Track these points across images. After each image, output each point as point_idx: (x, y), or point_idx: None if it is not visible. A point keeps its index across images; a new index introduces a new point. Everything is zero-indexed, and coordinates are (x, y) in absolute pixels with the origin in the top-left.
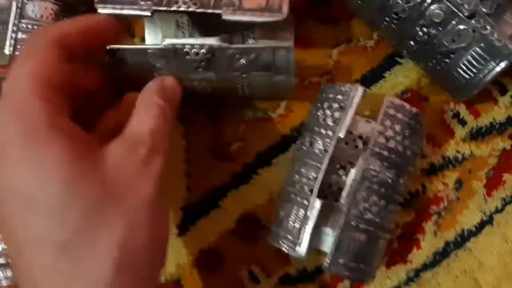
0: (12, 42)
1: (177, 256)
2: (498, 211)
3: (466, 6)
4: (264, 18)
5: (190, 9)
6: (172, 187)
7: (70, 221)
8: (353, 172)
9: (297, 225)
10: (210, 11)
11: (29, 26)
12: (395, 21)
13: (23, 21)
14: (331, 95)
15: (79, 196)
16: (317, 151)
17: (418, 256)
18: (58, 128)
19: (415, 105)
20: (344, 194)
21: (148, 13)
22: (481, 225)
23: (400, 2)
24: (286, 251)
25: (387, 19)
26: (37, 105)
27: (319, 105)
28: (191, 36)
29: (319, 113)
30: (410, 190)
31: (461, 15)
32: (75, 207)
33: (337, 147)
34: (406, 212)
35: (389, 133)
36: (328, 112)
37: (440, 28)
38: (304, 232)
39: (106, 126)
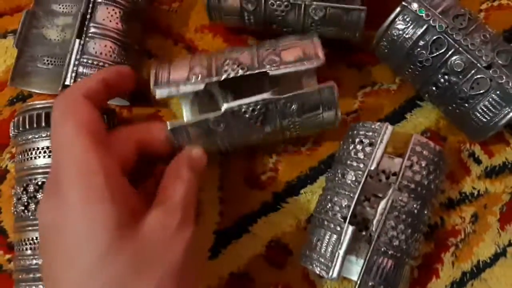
0: (73, 74)
1: (208, 278)
2: (510, 244)
3: (484, 58)
4: (306, 66)
5: (239, 74)
6: (206, 212)
7: (101, 283)
8: (383, 202)
9: (329, 249)
10: (257, 71)
11: (89, 62)
12: (419, 69)
13: (84, 56)
14: (362, 132)
15: (115, 261)
16: (349, 181)
17: (437, 285)
18: (113, 188)
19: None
20: (374, 221)
21: (202, 86)
22: (496, 257)
23: (425, 52)
24: (319, 273)
25: (412, 66)
26: (95, 163)
27: (350, 140)
28: (225, 100)
29: (350, 148)
30: (430, 223)
31: (479, 65)
32: (110, 270)
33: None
34: (426, 243)
35: (416, 168)
36: (359, 146)
37: (461, 77)
38: (338, 256)
39: (146, 189)
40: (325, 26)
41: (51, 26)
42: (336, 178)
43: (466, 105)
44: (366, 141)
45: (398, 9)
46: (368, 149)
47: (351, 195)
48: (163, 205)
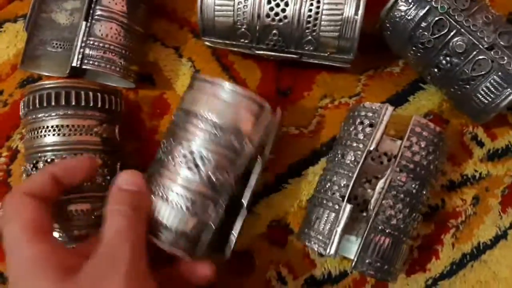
0: (80, 56)
1: None
2: None
3: (486, 39)
4: None
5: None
6: None
7: None
8: (381, 181)
9: (327, 227)
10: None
11: (96, 43)
12: (422, 50)
13: (91, 38)
14: (362, 113)
15: None
16: (348, 161)
17: (437, 266)
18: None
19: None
20: (372, 200)
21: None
22: (496, 239)
23: (427, 33)
24: (317, 250)
25: (414, 48)
26: (41, 258)
27: (351, 121)
28: None
29: (351, 129)
30: (430, 204)
31: (481, 46)
32: None
33: (365, 163)
34: (427, 225)
35: (415, 148)
36: (359, 127)
37: (462, 58)
38: (336, 233)
39: None
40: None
41: (60, 10)
42: (336, 159)
43: (468, 86)
44: (366, 121)
45: None
46: (368, 129)
47: (350, 174)
48: (104, 239)
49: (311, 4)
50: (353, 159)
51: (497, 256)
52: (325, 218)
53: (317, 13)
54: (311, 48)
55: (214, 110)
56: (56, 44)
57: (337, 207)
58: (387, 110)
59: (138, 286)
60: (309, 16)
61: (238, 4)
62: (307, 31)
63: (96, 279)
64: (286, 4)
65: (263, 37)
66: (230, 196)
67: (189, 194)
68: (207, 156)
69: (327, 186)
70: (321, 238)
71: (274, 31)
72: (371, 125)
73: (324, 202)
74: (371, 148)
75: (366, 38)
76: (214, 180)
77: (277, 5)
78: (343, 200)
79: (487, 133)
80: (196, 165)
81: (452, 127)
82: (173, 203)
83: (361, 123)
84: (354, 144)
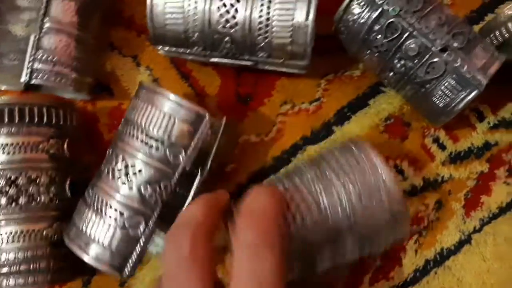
0: (29, 70)
1: None
2: (476, 231)
3: (438, 41)
4: None
5: None
6: None
7: None
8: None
9: None
10: None
11: (44, 57)
12: (376, 54)
13: (39, 52)
14: None
15: None
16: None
17: (400, 274)
18: None
19: (398, 130)
20: None
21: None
22: (460, 245)
23: (380, 37)
24: None
25: (369, 52)
26: None
27: None
28: None
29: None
30: None
31: (434, 49)
32: None
33: None
34: None
35: None
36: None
37: (416, 61)
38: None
39: None
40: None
41: (16, 22)
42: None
43: (423, 89)
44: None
45: None
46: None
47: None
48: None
49: (261, 10)
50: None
51: (461, 261)
52: None
53: (267, 19)
54: (265, 55)
55: (148, 120)
56: (13, 56)
57: None
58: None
59: None
60: (260, 22)
61: (188, 12)
62: (259, 37)
63: None
64: (236, 11)
65: (216, 45)
66: (165, 211)
67: (121, 208)
68: (140, 169)
69: None
70: None
71: (227, 39)
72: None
73: None
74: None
75: (324, 41)
76: (145, 194)
77: (227, 12)
78: None
79: (449, 135)
80: (129, 178)
81: (413, 130)
82: (105, 217)
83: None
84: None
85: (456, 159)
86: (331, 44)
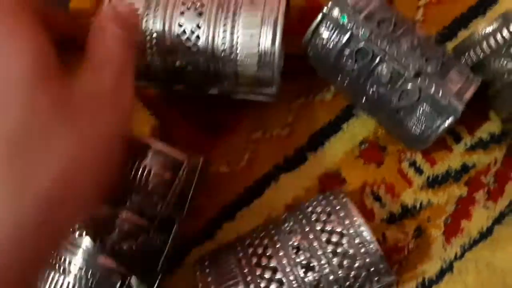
0: None
1: None
2: (457, 258)
3: (411, 66)
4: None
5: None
6: None
7: (31, 118)
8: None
9: None
10: None
11: None
12: (348, 79)
13: None
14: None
15: (46, 93)
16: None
17: None
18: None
19: (374, 155)
20: None
21: None
22: (442, 273)
23: (350, 62)
24: None
25: (340, 76)
26: None
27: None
28: None
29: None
30: None
31: (407, 75)
32: (42, 100)
33: None
34: None
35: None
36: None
37: (388, 87)
38: None
39: None
40: None
41: None
42: (289, 243)
43: (398, 116)
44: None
45: (319, 16)
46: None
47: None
48: (93, 61)
49: (224, 37)
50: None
51: None
52: None
53: (231, 46)
54: (231, 83)
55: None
56: None
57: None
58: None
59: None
60: (224, 50)
61: (148, 40)
62: (223, 65)
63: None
64: (198, 38)
65: (178, 73)
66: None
67: (92, 268)
68: (113, 223)
69: (262, 263)
70: None
71: (189, 68)
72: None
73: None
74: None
75: (294, 62)
76: (119, 251)
77: (188, 39)
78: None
79: (426, 158)
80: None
81: (389, 154)
82: (75, 278)
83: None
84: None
85: (434, 183)
86: (301, 65)
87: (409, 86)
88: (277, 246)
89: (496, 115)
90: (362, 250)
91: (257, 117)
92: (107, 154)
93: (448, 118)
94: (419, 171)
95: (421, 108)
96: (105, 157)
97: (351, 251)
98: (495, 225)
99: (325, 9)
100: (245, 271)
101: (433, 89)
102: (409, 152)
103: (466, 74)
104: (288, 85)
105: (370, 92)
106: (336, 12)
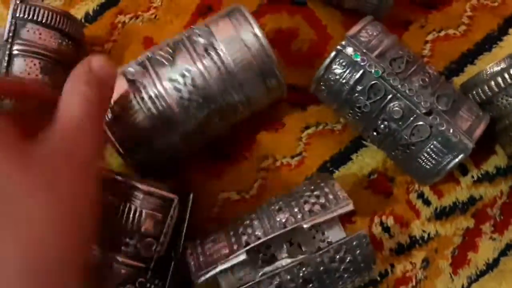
0: None
1: None
2: None
3: (423, 104)
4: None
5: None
6: None
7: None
8: (285, 261)
9: (214, 256)
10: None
11: None
12: (359, 114)
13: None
14: (325, 190)
15: (5, 160)
16: (278, 219)
17: None
18: None
19: (382, 185)
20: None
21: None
22: None
23: (363, 98)
24: (191, 265)
25: (351, 111)
26: None
27: (311, 187)
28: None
29: (306, 193)
30: (379, 271)
31: (419, 112)
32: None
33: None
34: None
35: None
36: (312, 199)
37: (400, 123)
38: (215, 268)
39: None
40: None
41: None
42: (271, 207)
43: (408, 151)
44: (322, 201)
45: (333, 53)
46: (316, 207)
47: (269, 231)
48: (59, 124)
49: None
50: (283, 221)
51: None
52: (217, 248)
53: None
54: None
55: None
56: None
57: (235, 247)
58: (347, 206)
59: (91, 188)
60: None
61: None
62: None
63: (50, 169)
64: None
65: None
66: None
67: None
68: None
69: (245, 223)
70: (202, 259)
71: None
72: (322, 206)
73: (231, 233)
74: (304, 226)
75: (306, 94)
76: None
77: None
78: (245, 246)
79: (433, 191)
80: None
81: (398, 185)
82: None
83: (317, 197)
84: (295, 209)
85: (442, 215)
86: (312, 97)
87: (421, 123)
88: (263, 217)
89: (503, 149)
90: (334, 202)
91: (267, 145)
92: (77, 210)
93: (458, 155)
94: (426, 202)
95: (432, 144)
96: (75, 213)
97: (322, 201)
98: (501, 257)
99: (339, 46)
100: (230, 234)
101: (444, 126)
102: (417, 183)
103: (476, 111)
104: (297, 115)
105: (382, 127)
106: (350, 50)
